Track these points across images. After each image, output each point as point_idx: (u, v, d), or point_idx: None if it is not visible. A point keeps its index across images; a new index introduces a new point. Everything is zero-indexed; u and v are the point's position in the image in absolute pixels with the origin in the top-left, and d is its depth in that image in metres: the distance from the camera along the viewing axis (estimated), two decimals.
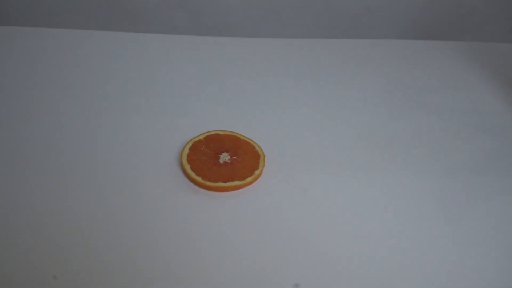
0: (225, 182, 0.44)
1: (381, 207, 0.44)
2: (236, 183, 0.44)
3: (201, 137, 0.48)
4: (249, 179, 0.44)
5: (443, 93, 0.59)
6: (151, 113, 0.53)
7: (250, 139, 0.49)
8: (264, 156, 0.47)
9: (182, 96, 0.55)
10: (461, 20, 0.84)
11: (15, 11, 0.83)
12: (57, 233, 0.41)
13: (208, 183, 0.43)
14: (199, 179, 0.44)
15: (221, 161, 0.46)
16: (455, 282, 0.38)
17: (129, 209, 0.42)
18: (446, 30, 0.85)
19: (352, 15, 0.83)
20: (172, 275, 0.38)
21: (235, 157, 0.46)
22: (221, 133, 0.49)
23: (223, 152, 0.47)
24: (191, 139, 0.48)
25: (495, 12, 0.83)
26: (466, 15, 0.83)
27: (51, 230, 0.41)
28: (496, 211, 0.44)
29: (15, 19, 0.84)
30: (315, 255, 0.39)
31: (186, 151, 0.46)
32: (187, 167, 0.45)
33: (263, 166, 0.46)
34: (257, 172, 0.45)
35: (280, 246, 0.40)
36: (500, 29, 0.85)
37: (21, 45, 0.62)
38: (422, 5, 0.81)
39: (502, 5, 0.81)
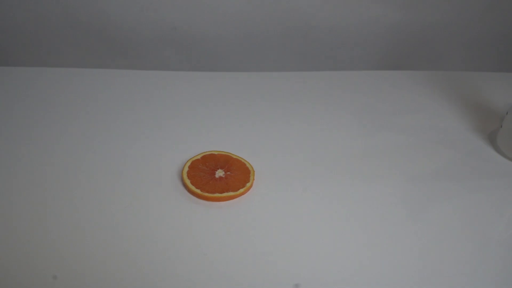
0: (220, 193, 0.50)
1: (358, 210, 0.51)
2: (230, 193, 0.51)
3: (199, 157, 0.55)
4: (241, 190, 0.51)
5: (407, 115, 0.67)
6: (155, 138, 0.60)
7: (241, 157, 0.56)
8: (253, 171, 0.54)
9: (180, 123, 0.63)
10: (423, 52, 0.94)
11: (8, 51, 0.90)
12: (57, 235, 0.45)
13: (206, 194, 0.50)
14: (198, 191, 0.50)
15: (216, 176, 0.53)
16: (420, 270, 0.45)
17: (136, 216, 0.48)
18: (410, 62, 0.95)
19: (328, 50, 0.93)
20: (173, 276, 0.43)
21: (228, 173, 0.53)
22: (216, 153, 0.56)
23: (218, 168, 0.54)
24: (190, 159, 0.55)
25: (452, 45, 0.93)
26: (426, 49, 0.94)
27: (51, 231, 0.45)
28: (452, 211, 0.51)
29: (8, 59, 0.91)
30: (304, 254, 0.46)
31: (186, 168, 0.53)
32: (188, 182, 0.52)
33: (253, 179, 0.53)
34: (248, 184, 0.52)
35: (268, 248, 0.46)
36: (456, 58, 0.95)
37: (16, 84, 0.69)
38: (389, 41, 0.92)
39: (458, 38, 0.92)
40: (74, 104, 0.65)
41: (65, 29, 0.87)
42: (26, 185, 0.52)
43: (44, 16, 0.85)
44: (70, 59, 0.91)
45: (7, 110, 0.64)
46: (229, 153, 0.56)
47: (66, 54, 0.91)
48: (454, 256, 0.46)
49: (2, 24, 0.86)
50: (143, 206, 0.50)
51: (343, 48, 0.92)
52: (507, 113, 0.58)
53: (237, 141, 0.60)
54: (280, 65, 0.93)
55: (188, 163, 0.54)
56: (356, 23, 0.88)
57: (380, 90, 0.73)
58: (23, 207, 0.49)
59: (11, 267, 0.42)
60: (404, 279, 0.44)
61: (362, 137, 0.62)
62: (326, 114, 0.66)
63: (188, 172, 0.53)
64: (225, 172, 0.53)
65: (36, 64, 0.85)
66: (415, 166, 0.57)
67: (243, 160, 0.55)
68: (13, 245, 0.45)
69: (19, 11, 0.84)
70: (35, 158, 0.55)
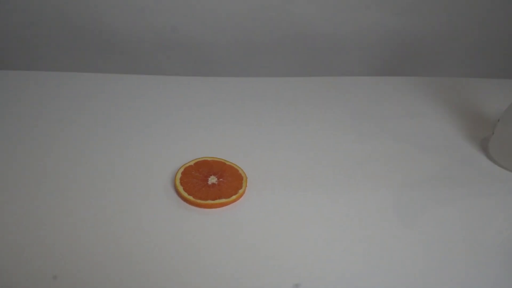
0: (213, 200, 0.51)
1: (352, 216, 0.51)
2: (223, 200, 0.51)
3: (192, 163, 0.55)
4: (234, 197, 0.51)
5: (402, 121, 0.68)
6: (148, 143, 0.60)
7: (234, 163, 0.56)
8: (246, 177, 0.54)
9: (174, 128, 0.63)
10: (418, 59, 0.95)
11: (2, 55, 0.91)
12: (58, 236, 0.46)
13: (198, 201, 0.50)
14: (191, 198, 0.51)
15: (209, 182, 0.53)
16: (415, 273, 0.45)
17: (130, 222, 0.49)
18: (405, 68, 0.96)
19: (324, 56, 0.93)
20: (168, 282, 0.44)
21: (221, 179, 0.54)
22: (209, 159, 0.56)
23: (211, 175, 0.54)
24: (183, 165, 0.55)
25: (447, 51, 0.94)
26: (421, 55, 0.94)
27: (51, 232, 0.46)
28: (446, 217, 0.51)
29: (2, 63, 0.91)
30: (298, 259, 0.46)
31: (179, 175, 0.53)
32: (180, 188, 0.52)
33: (246, 186, 0.53)
34: (240, 191, 0.52)
35: (262, 253, 0.47)
36: (451, 65, 0.96)
37: (11, 87, 0.69)
38: (385, 47, 0.92)
39: (453, 45, 0.93)
40: (67, 109, 0.66)
41: (59, 32, 0.87)
42: (24, 187, 0.52)
43: (39, 20, 0.85)
44: (64, 63, 0.91)
45: (1, 114, 0.64)
46: (222, 159, 0.57)
47: (60, 57, 0.91)
48: (449, 261, 0.46)
49: None
50: (136, 212, 0.50)
51: (340, 54, 0.92)
52: (498, 120, 0.59)
53: (230, 147, 0.60)
54: (276, 71, 0.94)
55: (181, 170, 0.54)
56: (352, 29, 0.89)
57: (375, 96, 0.73)
58: (22, 209, 0.49)
59: (11, 267, 0.43)
60: (400, 283, 0.44)
61: (356, 143, 0.62)
62: (321, 119, 0.67)
63: (181, 179, 0.53)
64: (218, 179, 0.54)
65: (30, 68, 0.85)
66: (409, 172, 0.57)
67: (236, 167, 0.56)
68: (13, 245, 0.45)
69: (14, 15, 0.85)
70: (29, 161, 0.55)
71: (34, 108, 0.65)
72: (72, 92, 0.69)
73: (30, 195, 0.51)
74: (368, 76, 0.80)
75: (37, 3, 0.83)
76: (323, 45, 0.91)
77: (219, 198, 0.51)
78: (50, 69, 0.77)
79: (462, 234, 0.49)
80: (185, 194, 0.51)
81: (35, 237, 0.46)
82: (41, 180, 0.53)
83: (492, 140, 0.60)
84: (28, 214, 0.49)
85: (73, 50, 0.90)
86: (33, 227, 0.48)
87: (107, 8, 0.83)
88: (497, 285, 0.44)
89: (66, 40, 0.88)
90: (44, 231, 0.47)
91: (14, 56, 0.91)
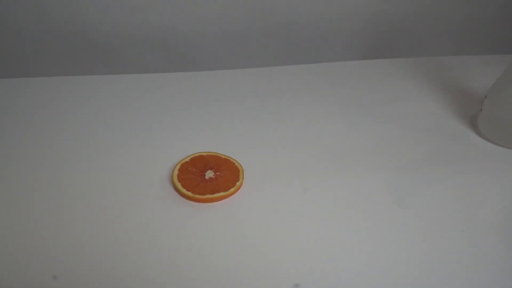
0: (212, 194, 0.51)
1: (348, 203, 0.52)
2: (221, 194, 0.51)
3: (188, 159, 0.56)
4: (232, 189, 0.52)
5: (391, 104, 0.68)
6: (142, 143, 0.60)
7: (229, 156, 0.56)
8: (242, 169, 0.55)
9: (167, 126, 0.63)
10: (404, 40, 0.95)
11: None
12: (57, 236, 0.46)
13: (197, 196, 0.51)
14: (189, 193, 0.51)
15: (206, 177, 0.53)
16: (408, 253, 0.46)
17: (131, 221, 0.49)
18: (392, 50, 0.96)
19: (310, 43, 0.93)
20: (170, 278, 0.44)
21: (218, 173, 0.54)
22: (204, 154, 0.57)
23: (207, 169, 0.54)
24: (179, 161, 0.55)
25: (431, 30, 0.95)
26: (407, 36, 0.95)
27: (51, 232, 0.46)
28: (435, 195, 0.52)
29: None
30: (295, 250, 0.47)
31: (176, 172, 0.54)
32: (179, 185, 0.52)
33: (243, 178, 0.54)
34: (238, 183, 0.53)
35: (263, 244, 0.47)
36: (437, 44, 0.97)
37: (4, 97, 0.68)
38: (370, 31, 0.92)
39: (437, 24, 0.94)
40: (58, 113, 0.65)
41: (43, 37, 0.86)
42: (24, 187, 0.52)
43: (22, 27, 0.84)
44: (48, 68, 0.90)
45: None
46: (218, 153, 0.57)
47: (45, 63, 0.90)
48: (447, 239, 0.47)
49: None
50: (137, 211, 0.50)
51: (325, 40, 0.93)
52: (486, 96, 0.60)
53: (224, 140, 0.61)
54: (264, 61, 0.94)
55: (178, 166, 0.54)
56: (336, 15, 0.89)
57: (362, 80, 0.74)
58: (22, 210, 0.50)
59: (11, 267, 0.43)
60: (401, 266, 0.45)
61: (348, 129, 0.63)
62: (311, 107, 0.67)
63: (178, 175, 0.53)
64: (214, 173, 0.54)
65: (16, 75, 0.84)
66: (401, 154, 0.58)
67: (231, 160, 0.56)
68: (13, 245, 0.45)
69: None
70: (28, 161, 0.55)
71: (23, 115, 0.65)
72: (60, 96, 0.69)
73: (29, 196, 0.51)
74: (355, 60, 0.80)
75: (20, 10, 0.81)
76: (308, 32, 0.91)
77: (218, 191, 0.51)
78: (36, 75, 0.76)
79: (457, 211, 0.51)
80: (183, 190, 0.51)
81: (35, 237, 0.47)
82: (40, 180, 0.53)
83: (481, 116, 0.61)
84: (28, 214, 0.49)
85: (57, 54, 0.89)
86: (33, 227, 0.48)
87: (89, 9, 0.82)
88: (492, 258, 0.46)
89: (48, 45, 0.87)
90: (44, 231, 0.47)
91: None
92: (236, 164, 0.55)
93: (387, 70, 0.77)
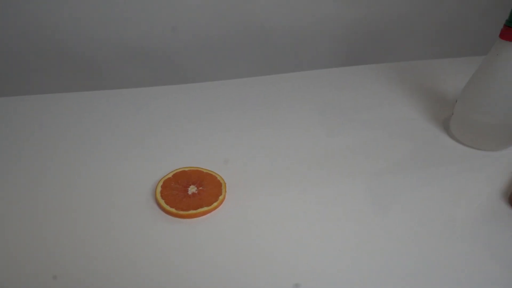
0: (195, 209, 0.52)
1: (330, 209, 0.53)
2: (205, 208, 0.52)
3: (170, 175, 0.56)
4: (215, 204, 0.53)
5: (367, 110, 0.70)
6: (124, 159, 0.61)
7: (211, 171, 0.57)
8: (225, 183, 0.56)
9: (148, 142, 0.64)
10: (378, 46, 0.98)
11: None
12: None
13: (181, 212, 0.52)
14: (173, 210, 0.52)
15: (189, 192, 0.54)
16: (388, 257, 0.48)
17: (114, 237, 0.49)
18: (366, 56, 0.99)
19: (288, 51, 0.95)
20: None
21: (201, 188, 0.55)
22: (186, 169, 0.58)
23: (190, 185, 0.55)
24: (162, 178, 0.56)
25: (407, 34, 0.97)
26: (381, 42, 0.97)
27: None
28: (415, 200, 0.54)
29: None
30: (279, 261, 0.48)
31: (159, 188, 0.55)
32: (162, 202, 0.53)
33: (225, 191, 0.55)
34: (221, 197, 0.54)
35: (248, 256, 0.48)
36: (413, 48, 1.00)
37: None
38: (345, 38, 0.95)
39: (410, 29, 0.96)
40: (41, 130, 0.65)
41: (24, 55, 0.86)
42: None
43: (10, 45, 0.84)
44: (31, 86, 0.90)
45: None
46: (199, 168, 0.58)
47: (28, 81, 0.90)
48: (424, 243, 0.49)
49: None
50: (119, 228, 0.51)
51: (301, 48, 0.94)
52: (456, 101, 0.62)
53: (204, 154, 0.62)
54: (243, 71, 0.95)
55: (161, 183, 0.55)
56: (311, 23, 0.91)
57: (340, 87, 0.76)
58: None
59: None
60: (373, 273, 0.46)
61: (327, 136, 0.65)
62: (291, 116, 0.69)
63: (161, 192, 0.54)
64: (197, 188, 0.55)
65: (5, 94, 0.84)
66: (378, 160, 0.60)
67: (214, 174, 0.57)
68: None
69: None
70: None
71: (20, 131, 0.65)
72: (41, 114, 0.69)
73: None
74: (331, 67, 0.82)
75: (8, 29, 0.81)
76: (284, 41, 0.93)
77: (201, 207, 0.52)
78: (19, 93, 0.76)
79: (436, 212, 0.52)
80: (167, 207, 0.52)
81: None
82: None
83: (452, 120, 0.64)
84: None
85: (39, 71, 0.89)
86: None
87: (68, 26, 0.83)
88: (474, 254, 0.47)
89: (30, 62, 0.87)
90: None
91: None
92: (218, 178, 0.57)
93: (363, 77, 0.79)
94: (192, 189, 0.55)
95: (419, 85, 0.76)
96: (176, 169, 0.57)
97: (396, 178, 0.57)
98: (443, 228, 0.50)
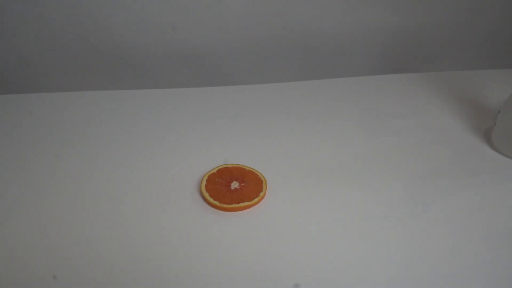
0: (237, 203, 0.55)
1: (365, 213, 0.55)
2: (246, 203, 0.55)
3: (214, 171, 0.60)
4: (256, 199, 0.56)
5: (407, 117, 0.71)
6: (171, 155, 0.64)
7: (253, 168, 0.60)
8: (265, 181, 0.59)
9: (195, 139, 0.68)
10: (420, 55, 0.98)
11: (12, 79, 0.95)
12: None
13: (224, 205, 0.55)
14: (217, 203, 0.55)
15: (232, 188, 0.57)
16: (425, 267, 0.49)
17: (160, 226, 0.53)
18: (408, 64, 0.99)
19: (328, 58, 0.97)
20: (187, 276, 0.48)
21: (243, 184, 0.58)
22: (229, 166, 0.61)
23: (233, 180, 0.58)
24: (207, 173, 0.59)
25: (450, 44, 0.97)
26: (423, 51, 0.97)
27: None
28: (449, 206, 0.55)
29: (13, 87, 0.96)
30: (315, 256, 0.50)
31: (204, 182, 0.58)
32: (206, 195, 0.56)
33: (266, 188, 0.58)
34: (261, 193, 0.57)
35: (283, 250, 0.51)
36: (455, 58, 0.99)
37: (25, 111, 0.74)
38: (387, 45, 0.95)
39: (453, 38, 0.96)
40: (91, 126, 0.70)
41: (74, 52, 0.92)
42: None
43: (54, 42, 0.90)
44: (78, 83, 0.96)
45: (20, 134, 0.69)
46: (242, 165, 0.61)
47: (74, 77, 0.95)
48: (460, 251, 0.50)
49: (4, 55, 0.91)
50: (167, 218, 0.54)
51: (343, 55, 0.96)
52: (499, 111, 0.62)
53: (248, 153, 0.65)
54: (283, 76, 0.98)
55: (205, 177, 0.59)
56: (353, 30, 0.92)
57: (380, 94, 0.77)
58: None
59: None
60: (410, 277, 0.48)
61: (365, 142, 0.66)
62: (329, 121, 0.71)
63: (206, 186, 0.57)
64: (239, 184, 0.58)
65: (47, 90, 0.90)
66: (416, 166, 0.61)
67: (255, 171, 0.60)
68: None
69: (27, 37, 0.89)
70: (49, 165, 0.60)
71: (53, 129, 0.70)
72: (91, 110, 0.74)
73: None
74: (371, 75, 0.83)
75: (58, 28, 0.88)
76: (325, 47, 0.95)
77: (242, 201, 0.55)
78: (67, 89, 0.82)
79: (472, 222, 0.53)
80: (211, 200, 0.55)
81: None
82: (60, 186, 0.58)
83: (495, 130, 0.64)
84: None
85: (86, 69, 0.94)
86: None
87: (120, 26, 0.88)
88: (509, 267, 0.48)
89: (80, 60, 0.93)
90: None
91: (33, 79, 0.96)
92: (260, 175, 0.59)
93: (404, 85, 0.80)
94: (234, 185, 0.58)
95: (461, 95, 0.76)
96: (220, 165, 0.61)
97: (433, 185, 0.58)
98: (479, 236, 0.51)
